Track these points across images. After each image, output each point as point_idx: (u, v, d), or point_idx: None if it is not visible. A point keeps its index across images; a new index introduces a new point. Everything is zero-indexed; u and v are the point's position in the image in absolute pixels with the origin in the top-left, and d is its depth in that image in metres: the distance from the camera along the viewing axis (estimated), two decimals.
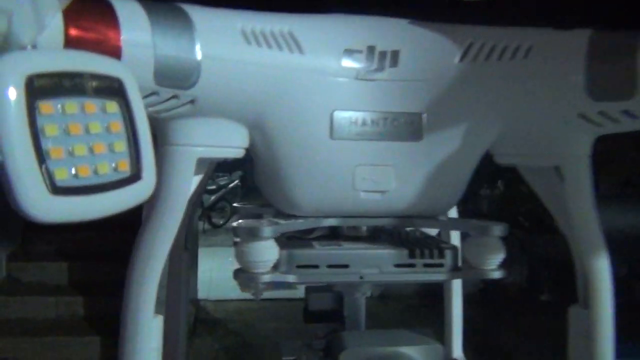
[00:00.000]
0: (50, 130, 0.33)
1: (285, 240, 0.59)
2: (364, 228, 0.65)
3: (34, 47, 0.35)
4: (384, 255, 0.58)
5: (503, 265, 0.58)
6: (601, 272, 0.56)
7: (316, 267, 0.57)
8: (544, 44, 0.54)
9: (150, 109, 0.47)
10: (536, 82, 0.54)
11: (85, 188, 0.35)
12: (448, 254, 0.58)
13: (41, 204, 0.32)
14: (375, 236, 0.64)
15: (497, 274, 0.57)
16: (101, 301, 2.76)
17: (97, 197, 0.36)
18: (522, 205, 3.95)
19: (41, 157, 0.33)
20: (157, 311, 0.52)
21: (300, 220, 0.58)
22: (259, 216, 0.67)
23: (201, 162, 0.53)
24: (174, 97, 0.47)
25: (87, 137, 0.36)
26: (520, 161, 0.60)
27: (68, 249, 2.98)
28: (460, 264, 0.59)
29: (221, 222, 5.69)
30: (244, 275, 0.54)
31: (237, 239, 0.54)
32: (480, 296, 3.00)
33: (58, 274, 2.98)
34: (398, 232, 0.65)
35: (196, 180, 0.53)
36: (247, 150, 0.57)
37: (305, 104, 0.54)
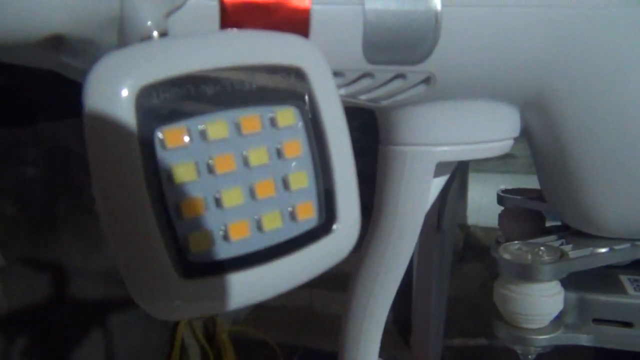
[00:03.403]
0: (182, 173, 0.21)
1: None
2: None
3: (163, 34, 0.23)
4: None
5: None
6: None
7: (629, 325, 0.36)
8: None
9: (363, 97, 0.31)
10: None
11: (237, 260, 0.22)
12: None
13: (166, 296, 0.20)
14: None
15: None
16: None
17: (259, 272, 0.22)
18: None
19: (166, 219, 0.20)
20: None
21: (604, 250, 0.36)
22: (532, 216, 0.46)
23: (445, 165, 0.35)
24: (399, 76, 0.30)
25: (246, 174, 0.22)
26: None
27: None
28: None
29: None
30: (507, 330, 0.36)
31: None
32: None
33: None
34: None
35: (439, 184, 0.37)
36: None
37: (623, 54, 0.31)
